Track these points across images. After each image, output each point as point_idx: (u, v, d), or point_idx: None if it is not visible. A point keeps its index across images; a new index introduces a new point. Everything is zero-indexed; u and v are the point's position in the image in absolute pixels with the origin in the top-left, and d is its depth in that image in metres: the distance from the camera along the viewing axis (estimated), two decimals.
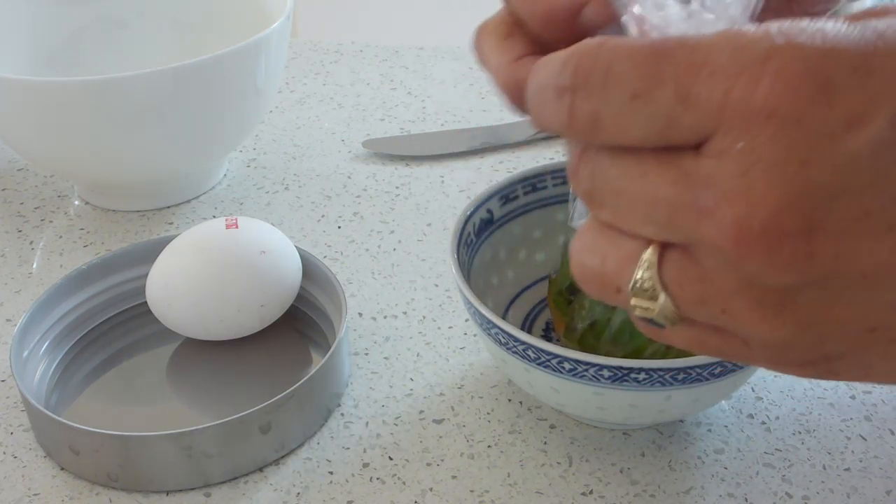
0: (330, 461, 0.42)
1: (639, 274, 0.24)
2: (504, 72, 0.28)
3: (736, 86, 0.21)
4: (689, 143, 0.22)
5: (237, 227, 0.46)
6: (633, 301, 0.25)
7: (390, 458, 0.42)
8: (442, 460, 0.42)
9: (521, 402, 0.45)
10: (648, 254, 0.24)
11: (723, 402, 0.45)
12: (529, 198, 0.48)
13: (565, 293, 0.44)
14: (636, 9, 0.25)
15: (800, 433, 0.43)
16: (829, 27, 0.21)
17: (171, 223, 0.59)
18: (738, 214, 0.21)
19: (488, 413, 0.44)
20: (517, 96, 0.28)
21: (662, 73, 0.22)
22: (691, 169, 0.22)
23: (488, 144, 0.66)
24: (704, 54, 0.22)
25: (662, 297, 0.24)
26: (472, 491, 0.41)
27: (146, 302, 0.47)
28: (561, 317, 0.44)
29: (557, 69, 0.24)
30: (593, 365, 0.37)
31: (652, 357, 0.40)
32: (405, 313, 0.51)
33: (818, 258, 0.21)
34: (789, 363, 0.25)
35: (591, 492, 0.40)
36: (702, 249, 0.23)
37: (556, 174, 0.48)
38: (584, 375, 0.37)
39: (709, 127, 0.22)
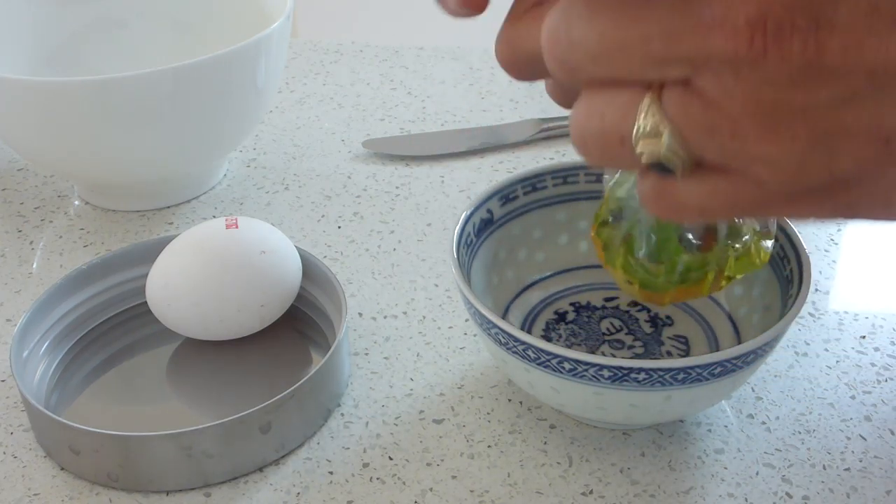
0: (330, 461, 0.42)
1: (641, 118, 0.24)
2: None
3: None
4: None
5: (237, 227, 0.46)
6: (640, 147, 0.25)
7: (390, 458, 0.42)
8: (442, 460, 0.42)
9: (521, 402, 0.45)
10: (647, 98, 0.24)
11: (723, 402, 0.45)
12: (529, 198, 0.48)
13: (608, 220, 0.43)
14: None
15: (800, 433, 0.43)
16: None
17: (171, 223, 0.59)
18: (750, 15, 0.22)
19: (488, 413, 0.44)
20: None
21: None
22: None
23: (488, 144, 0.66)
24: None
25: (668, 131, 0.24)
26: (472, 491, 0.41)
27: (146, 302, 0.47)
28: (602, 248, 0.43)
29: None
30: (593, 365, 0.37)
31: (686, 271, 0.39)
32: (405, 313, 0.51)
33: (827, 52, 0.22)
34: (804, 195, 0.25)
35: (591, 492, 0.40)
36: (705, 76, 0.23)
37: (556, 174, 0.48)
38: (584, 375, 0.37)
39: None
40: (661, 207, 0.27)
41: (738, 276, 0.39)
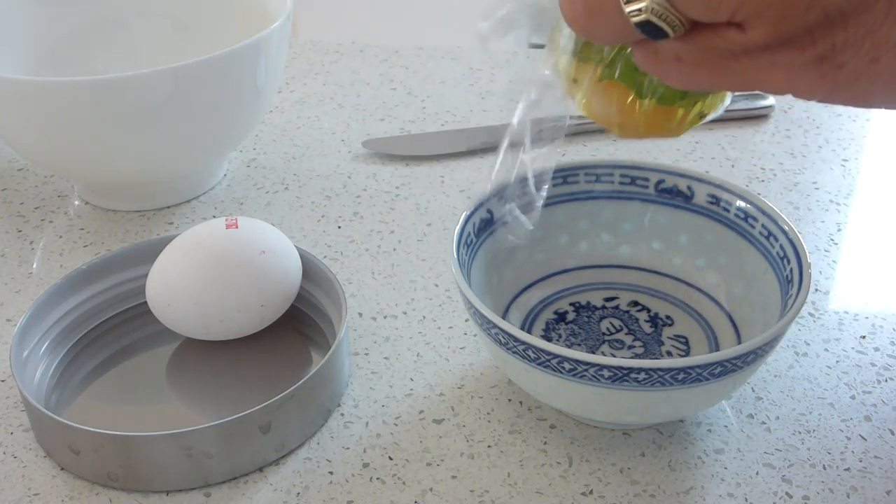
0: (330, 461, 0.42)
1: None
2: None
3: None
4: None
5: (237, 227, 0.46)
6: (627, 9, 0.25)
7: (390, 458, 0.42)
8: (442, 460, 0.42)
9: (521, 402, 0.45)
10: None
11: (723, 402, 0.45)
12: None
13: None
14: None
15: (800, 433, 0.43)
16: None
17: (171, 223, 0.59)
18: None
19: (488, 413, 0.44)
20: None
21: None
22: None
23: (488, 144, 0.66)
24: None
25: None
26: (472, 491, 0.41)
27: (146, 302, 0.47)
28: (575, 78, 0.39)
29: None
30: (593, 365, 0.37)
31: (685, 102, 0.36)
32: (405, 313, 0.51)
33: None
34: (786, 45, 0.25)
35: (591, 492, 0.40)
36: None
37: (556, 174, 0.48)
38: (584, 375, 0.37)
39: None
40: (652, 63, 0.27)
41: (708, 114, 0.37)
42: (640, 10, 0.25)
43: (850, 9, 0.24)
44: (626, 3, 0.25)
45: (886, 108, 0.28)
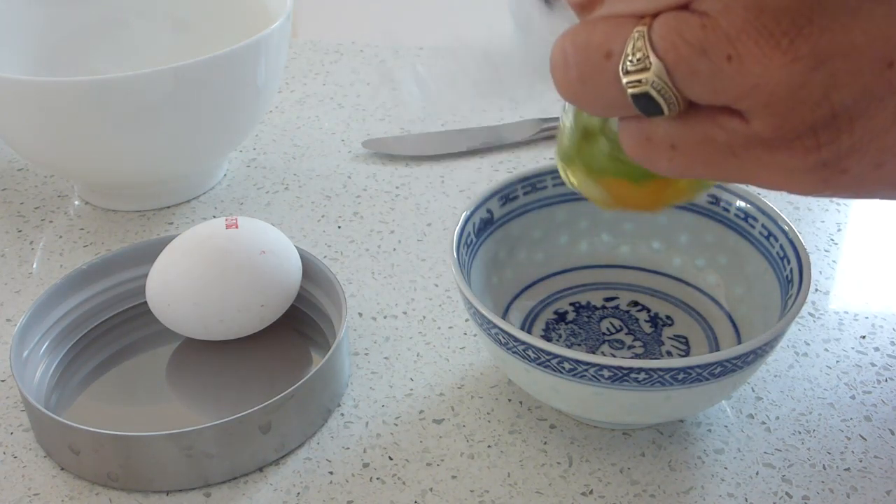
0: (330, 461, 0.42)
1: (629, 47, 0.23)
2: None
3: None
4: None
5: (237, 227, 0.46)
6: (626, 79, 0.24)
7: (390, 458, 0.42)
8: (442, 460, 0.42)
9: (521, 402, 0.45)
10: (639, 27, 0.23)
11: (723, 402, 0.45)
12: (529, 198, 0.48)
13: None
14: None
15: (800, 433, 0.43)
16: None
17: (171, 223, 0.59)
18: None
19: (488, 413, 0.44)
20: None
21: None
22: None
23: (488, 144, 0.66)
24: None
25: (656, 61, 0.23)
26: (472, 491, 0.41)
27: (146, 302, 0.47)
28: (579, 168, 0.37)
29: None
30: (593, 365, 0.37)
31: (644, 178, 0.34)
32: (405, 313, 0.51)
33: None
34: (789, 142, 0.23)
35: (591, 492, 0.40)
36: None
37: (556, 174, 0.48)
38: (584, 375, 0.37)
39: None
40: (643, 149, 0.25)
41: (691, 197, 0.35)
42: (639, 81, 0.23)
43: (858, 112, 0.23)
44: (625, 73, 0.24)
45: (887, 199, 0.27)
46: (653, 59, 0.23)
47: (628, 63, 0.23)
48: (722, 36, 0.22)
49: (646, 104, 0.24)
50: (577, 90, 0.25)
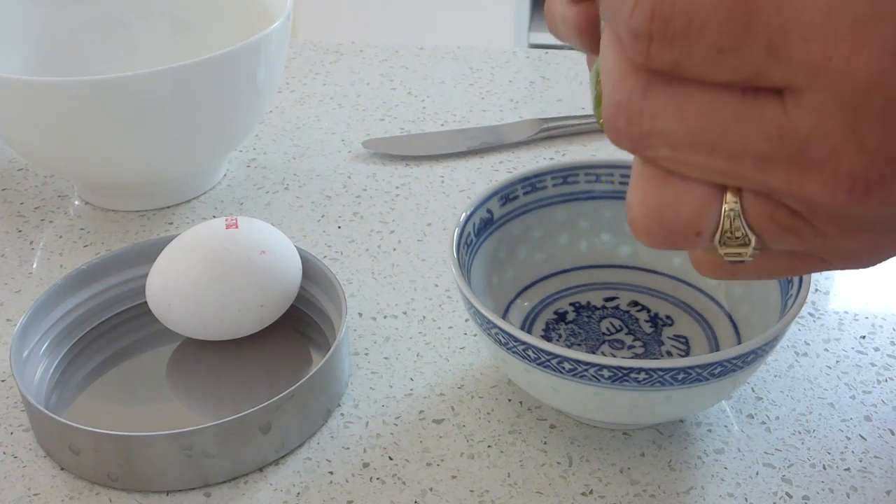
0: (330, 461, 0.42)
1: (727, 224, 0.24)
2: (567, 14, 0.28)
3: (836, 54, 0.21)
4: (770, 88, 0.22)
5: (237, 227, 0.46)
6: (724, 251, 0.25)
7: (390, 458, 0.42)
8: (442, 460, 0.42)
9: (521, 402, 0.45)
10: (730, 202, 0.24)
11: (723, 402, 0.45)
12: (529, 198, 0.48)
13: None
14: None
15: (800, 433, 0.43)
16: None
17: (171, 223, 0.59)
18: (855, 168, 0.22)
19: (488, 413, 0.44)
20: (583, 32, 0.28)
21: (751, 30, 0.21)
22: (784, 121, 0.22)
23: (488, 144, 0.66)
24: (794, 11, 0.21)
25: (754, 241, 0.25)
26: (472, 491, 0.41)
27: (146, 302, 0.47)
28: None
29: (628, 9, 0.22)
30: (593, 365, 0.37)
31: None
32: (405, 313, 0.51)
33: None
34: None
35: (591, 492, 0.40)
36: (791, 200, 0.23)
37: (556, 174, 0.48)
38: (584, 375, 0.37)
39: (800, 83, 0.22)
40: (718, 275, 0.27)
41: None
42: (739, 254, 0.25)
43: None
44: (722, 245, 0.25)
45: None
46: (751, 235, 0.25)
47: (727, 238, 0.25)
48: (810, 225, 0.24)
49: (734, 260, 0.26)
50: (658, 248, 0.26)
